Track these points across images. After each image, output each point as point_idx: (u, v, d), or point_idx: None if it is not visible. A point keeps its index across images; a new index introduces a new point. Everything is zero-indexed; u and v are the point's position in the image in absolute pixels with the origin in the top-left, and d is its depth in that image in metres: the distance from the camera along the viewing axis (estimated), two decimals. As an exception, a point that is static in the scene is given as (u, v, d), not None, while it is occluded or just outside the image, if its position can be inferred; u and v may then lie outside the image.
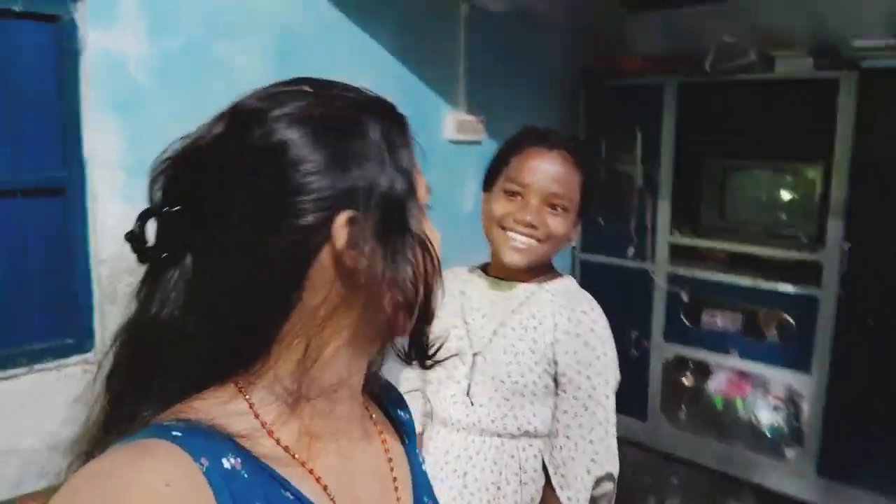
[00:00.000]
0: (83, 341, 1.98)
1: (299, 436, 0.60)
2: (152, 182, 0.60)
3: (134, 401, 0.58)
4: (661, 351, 3.41)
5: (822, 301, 2.89)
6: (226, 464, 0.53)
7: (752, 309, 3.20)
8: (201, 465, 0.51)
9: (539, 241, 1.27)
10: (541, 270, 1.34)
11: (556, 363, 1.25)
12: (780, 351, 3.09)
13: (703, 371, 3.37)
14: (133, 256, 0.60)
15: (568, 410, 1.24)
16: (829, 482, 2.94)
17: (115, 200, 1.96)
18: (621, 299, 3.34)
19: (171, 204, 0.59)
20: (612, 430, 1.26)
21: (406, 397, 0.85)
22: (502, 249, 1.29)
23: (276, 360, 0.59)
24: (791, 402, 3.14)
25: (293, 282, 0.57)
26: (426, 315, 0.65)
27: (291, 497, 0.57)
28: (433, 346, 0.69)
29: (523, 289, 1.32)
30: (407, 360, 0.69)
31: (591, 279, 3.55)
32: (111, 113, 1.95)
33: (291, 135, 0.57)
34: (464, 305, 1.35)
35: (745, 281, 3.12)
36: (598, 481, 1.24)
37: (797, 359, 3.00)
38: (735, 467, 3.21)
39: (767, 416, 3.19)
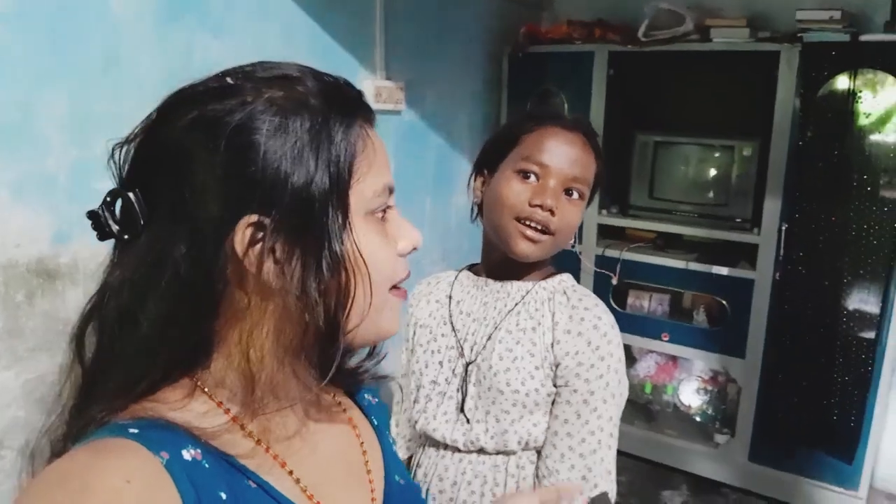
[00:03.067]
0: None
1: (263, 428, 0.61)
2: (109, 161, 0.60)
3: (90, 399, 0.58)
4: (589, 336, 3.23)
5: (757, 284, 2.79)
6: (186, 455, 0.53)
7: (683, 292, 3.08)
8: (161, 458, 0.51)
9: (555, 231, 1.12)
10: (540, 267, 1.21)
11: (556, 366, 1.12)
12: (711, 335, 2.98)
13: (632, 355, 3.23)
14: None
15: (559, 416, 1.12)
16: (760, 468, 2.90)
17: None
18: (547, 283, 3.13)
19: (130, 185, 0.58)
20: (609, 442, 1.12)
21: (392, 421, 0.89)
22: (514, 241, 1.13)
23: (222, 357, 0.59)
24: (722, 387, 3.07)
25: (211, 281, 0.57)
26: (332, 335, 0.59)
27: (254, 486, 0.58)
28: (360, 363, 0.68)
29: (518, 287, 1.19)
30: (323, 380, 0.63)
31: (514, 261, 3.33)
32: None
33: (204, 132, 0.56)
34: (452, 311, 1.22)
35: (676, 263, 2.98)
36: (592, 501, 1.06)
37: (730, 343, 2.91)
38: (665, 455, 3.11)
39: (698, 401, 3.11)
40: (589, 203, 1.21)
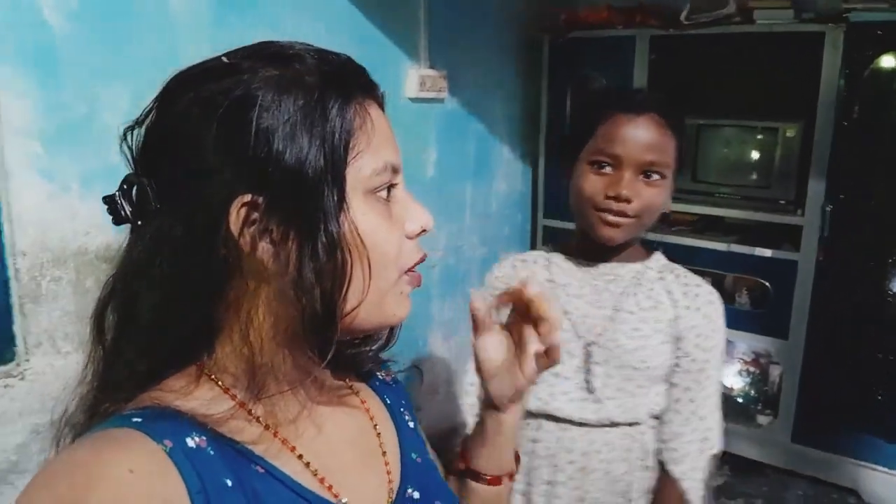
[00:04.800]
0: (1, 350, 1.61)
1: (269, 413, 0.60)
2: (121, 144, 0.60)
3: (103, 388, 0.58)
4: (630, 319, 3.27)
5: (800, 265, 2.80)
6: (190, 443, 0.53)
7: (725, 274, 3.09)
8: (164, 446, 0.51)
9: (636, 216, 1.16)
10: (634, 246, 1.27)
11: (678, 339, 1.21)
12: (754, 317, 2.99)
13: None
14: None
15: (679, 384, 1.21)
16: (803, 448, 2.91)
17: (31, 177, 1.58)
18: (588, 267, 3.16)
19: (142, 169, 0.59)
20: (718, 404, 1.24)
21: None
22: (597, 227, 1.18)
23: (226, 342, 0.59)
24: (764, 369, 3.08)
25: (209, 264, 0.56)
26: (328, 318, 0.58)
27: (262, 470, 0.57)
28: (359, 349, 0.70)
29: (628, 269, 1.24)
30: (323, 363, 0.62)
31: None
32: (21, 68, 1.55)
33: (189, 113, 0.56)
34: (559, 295, 1.25)
35: (717, 245, 2.99)
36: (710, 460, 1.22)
37: (773, 325, 2.91)
38: (707, 435, 3.14)
39: (740, 383, 3.12)
40: (676, 176, 1.21)
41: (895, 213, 2.55)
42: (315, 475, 0.61)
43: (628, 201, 1.14)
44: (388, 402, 0.77)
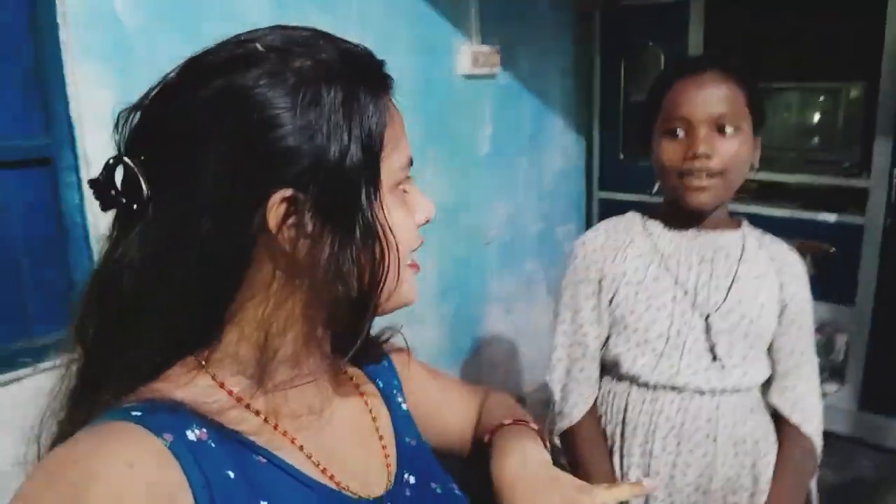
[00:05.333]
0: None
1: (269, 405, 0.60)
2: (115, 128, 0.57)
3: (95, 382, 0.56)
4: (690, 289, 3.25)
5: (866, 229, 2.73)
6: (190, 436, 0.53)
7: (788, 241, 3.04)
8: (164, 440, 0.51)
9: (719, 172, 1.15)
10: (725, 214, 1.27)
11: (784, 305, 1.23)
12: (818, 283, 2.93)
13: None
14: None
15: (795, 349, 1.24)
16: (871, 416, 2.86)
17: (112, 165, 1.69)
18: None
19: (134, 154, 0.56)
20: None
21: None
22: (686, 195, 1.17)
23: (235, 333, 0.59)
24: (829, 338, 3.02)
25: (237, 257, 0.56)
26: (367, 311, 0.59)
27: (264, 461, 0.57)
28: (373, 343, 0.69)
29: (731, 238, 1.25)
30: (343, 354, 0.62)
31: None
32: (99, 63, 1.65)
33: (232, 99, 0.54)
34: (666, 262, 1.25)
35: (780, 212, 2.94)
36: None
37: (838, 291, 2.86)
38: (771, 405, 3.11)
39: (805, 351, 3.08)
40: (756, 130, 1.19)
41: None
42: (317, 466, 0.61)
43: (708, 157, 1.13)
44: (381, 385, 0.77)
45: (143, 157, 0.55)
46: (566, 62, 3.31)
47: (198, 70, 0.56)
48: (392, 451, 0.71)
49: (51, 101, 1.63)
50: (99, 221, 1.69)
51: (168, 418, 0.52)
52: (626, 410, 1.26)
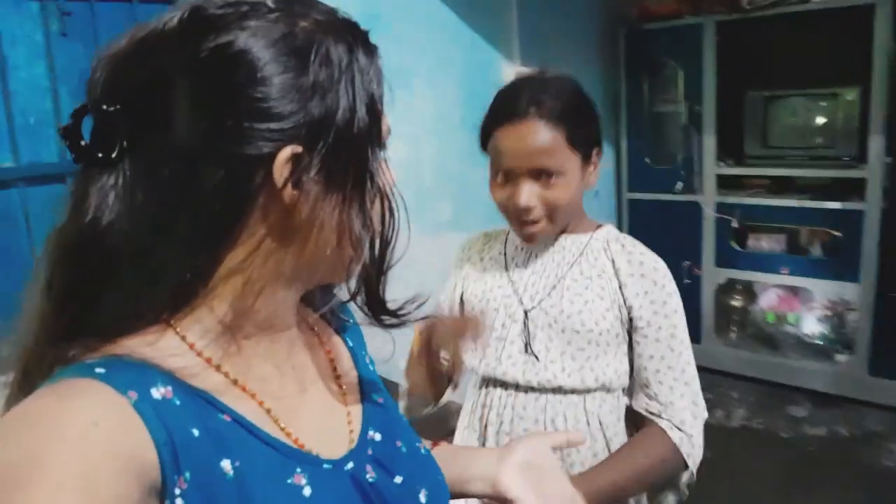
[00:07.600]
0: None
1: (236, 365, 0.59)
2: (92, 76, 0.54)
3: (59, 335, 0.53)
4: (713, 276, 3.64)
5: (867, 214, 3.12)
6: (155, 394, 0.51)
7: (798, 229, 3.44)
8: (129, 398, 0.49)
9: (546, 218, 1.18)
10: (582, 220, 1.28)
11: (629, 308, 1.19)
12: (826, 265, 3.32)
13: (754, 291, 3.62)
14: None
15: (654, 355, 1.18)
16: (880, 380, 3.21)
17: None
18: (671, 232, 3.60)
19: (110, 102, 0.53)
20: (696, 371, 1.22)
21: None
22: (517, 231, 1.23)
23: (213, 293, 0.57)
24: (840, 314, 3.38)
25: (232, 213, 0.54)
26: (380, 270, 0.61)
27: (229, 419, 0.56)
28: (403, 305, 0.64)
29: (573, 241, 1.26)
30: (371, 318, 0.64)
31: (640, 217, 3.81)
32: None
33: (248, 52, 0.52)
34: (508, 265, 1.30)
35: (790, 202, 3.35)
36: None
37: (845, 270, 3.24)
38: (788, 377, 3.48)
39: (817, 326, 3.44)
40: (587, 154, 1.20)
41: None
42: (277, 423, 0.60)
43: (530, 209, 1.16)
44: (350, 344, 0.77)
45: (119, 106, 0.53)
46: (596, 77, 3.74)
47: (200, 23, 0.53)
48: (356, 408, 0.71)
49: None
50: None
51: (133, 375, 0.51)
52: (472, 404, 1.30)
